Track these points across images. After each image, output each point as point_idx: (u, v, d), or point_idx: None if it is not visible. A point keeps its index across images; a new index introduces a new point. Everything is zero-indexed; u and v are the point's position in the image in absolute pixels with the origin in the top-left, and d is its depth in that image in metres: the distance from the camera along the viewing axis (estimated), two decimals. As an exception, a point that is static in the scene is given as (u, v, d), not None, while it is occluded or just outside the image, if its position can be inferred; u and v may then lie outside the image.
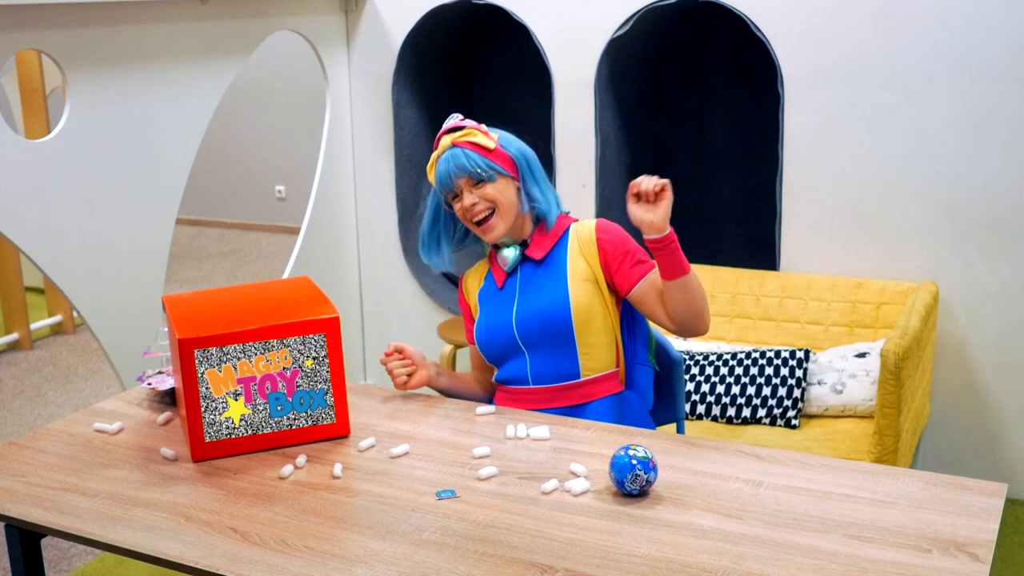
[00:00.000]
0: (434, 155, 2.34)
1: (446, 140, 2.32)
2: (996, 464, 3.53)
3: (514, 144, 2.36)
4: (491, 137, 2.32)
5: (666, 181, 2.13)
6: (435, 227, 2.41)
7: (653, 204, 2.13)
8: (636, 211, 2.14)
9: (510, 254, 2.36)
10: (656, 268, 2.26)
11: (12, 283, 5.47)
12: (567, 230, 2.38)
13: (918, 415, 3.24)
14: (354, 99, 4.30)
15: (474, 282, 2.47)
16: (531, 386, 2.34)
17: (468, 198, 2.29)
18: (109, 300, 3.28)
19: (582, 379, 2.32)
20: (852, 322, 3.47)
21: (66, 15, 3.05)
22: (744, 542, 1.71)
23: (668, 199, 2.12)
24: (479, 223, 2.31)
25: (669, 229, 2.14)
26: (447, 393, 2.50)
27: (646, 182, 2.12)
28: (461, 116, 2.37)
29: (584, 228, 2.36)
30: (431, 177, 2.34)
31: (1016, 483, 3.51)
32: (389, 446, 2.11)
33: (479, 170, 2.28)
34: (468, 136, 2.31)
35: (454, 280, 4.46)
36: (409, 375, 2.38)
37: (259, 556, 1.71)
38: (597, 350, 2.32)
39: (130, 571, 3.22)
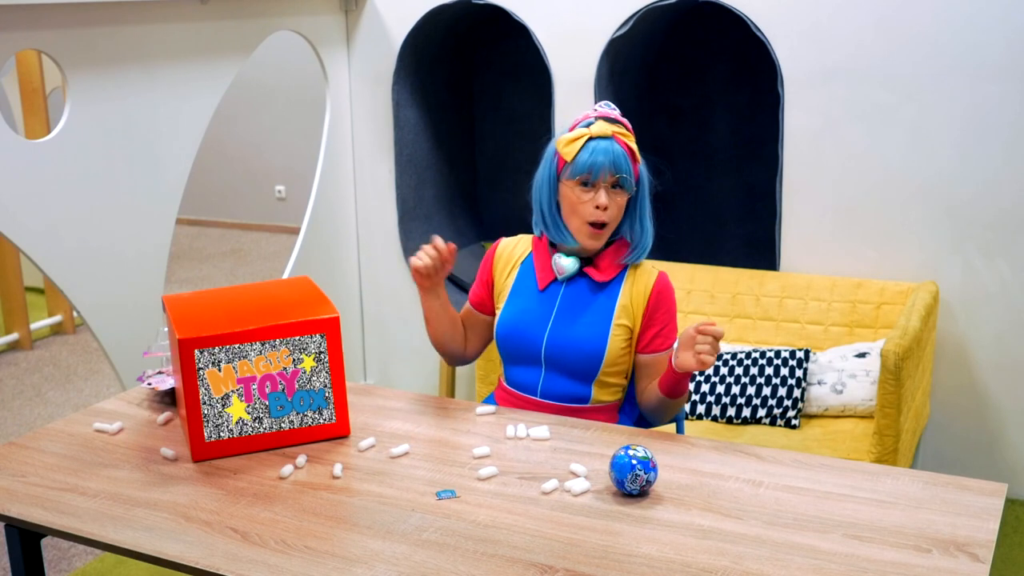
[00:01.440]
0: (583, 132, 2.20)
1: (605, 127, 2.20)
2: (996, 464, 3.53)
3: (643, 164, 2.28)
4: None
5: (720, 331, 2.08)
6: (551, 199, 2.27)
7: (708, 352, 2.06)
8: (687, 358, 2.09)
9: (569, 265, 2.27)
10: (670, 350, 2.25)
11: (12, 283, 5.46)
12: (627, 265, 2.31)
13: (918, 415, 3.24)
14: (354, 99, 4.30)
15: (510, 260, 2.38)
16: (537, 398, 2.33)
17: (605, 197, 2.19)
18: (109, 300, 3.28)
19: (589, 405, 2.31)
20: (852, 322, 3.47)
21: (66, 15, 3.05)
22: (744, 542, 1.71)
23: (717, 349, 2.08)
24: (596, 225, 2.22)
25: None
26: (429, 316, 2.37)
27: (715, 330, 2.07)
28: (616, 108, 2.28)
29: (642, 272, 2.30)
30: (568, 151, 2.20)
31: (1016, 483, 3.51)
32: (389, 446, 2.11)
33: (628, 177, 2.20)
34: (627, 138, 2.23)
35: (454, 280, 4.46)
36: (428, 270, 2.26)
37: (259, 556, 1.71)
38: (612, 386, 2.32)
39: (130, 571, 3.22)
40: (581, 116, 2.26)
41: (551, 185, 2.27)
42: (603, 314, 2.27)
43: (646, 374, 2.31)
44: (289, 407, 2.11)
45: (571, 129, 2.24)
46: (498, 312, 2.38)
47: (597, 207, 2.19)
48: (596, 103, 2.29)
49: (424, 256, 2.27)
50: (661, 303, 2.28)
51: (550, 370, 2.30)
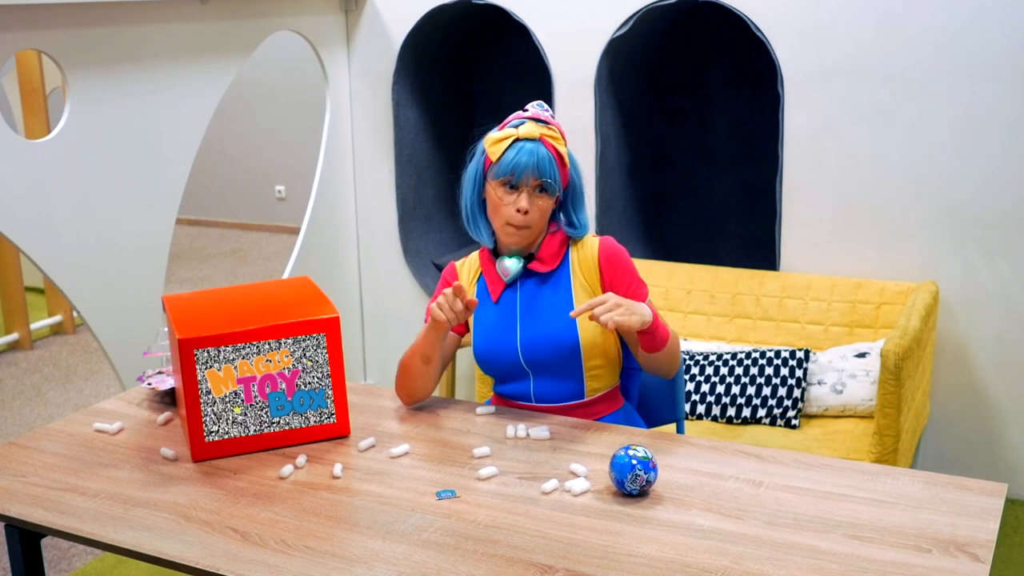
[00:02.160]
0: (511, 132, 2.18)
1: (533, 129, 2.17)
2: (996, 464, 3.53)
3: (575, 165, 2.26)
4: (565, 149, 2.22)
5: (596, 313, 2.05)
6: (473, 194, 2.25)
7: (618, 315, 2.04)
8: (610, 323, 2.05)
9: (513, 266, 2.24)
10: (647, 300, 2.23)
11: (12, 283, 5.47)
12: (569, 246, 2.28)
13: (918, 415, 3.24)
14: (354, 99, 4.30)
15: (467, 283, 2.34)
16: (534, 403, 2.30)
17: (525, 201, 2.15)
18: (109, 300, 3.28)
19: (586, 399, 2.29)
20: (852, 322, 3.47)
21: (66, 15, 3.05)
22: (744, 542, 1.71)
23: (624, 307, 2.05)
24: (515, 226, 2.19)
25: (650, 316, 2.10)
26: (428, 353, 2.27)
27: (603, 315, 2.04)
28: (548, 108, 2.24)
29: (585, 247, 2.27)
30: (494, 151, 2.18)
31: (1016, 483, 3.51)
32: (389, 446, 2.11)
33: (552, 182, 2.17)
34: (555, 140, 2.19)
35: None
36: (442, 320, 2.15)
37: (259, 556, 1.71)
38: (602, 370, 2.28)
39: (130, 571, 3.22)
40: (512, 116, 2.24)
41: (476, 181, 2.25)
42: (564, 302, 2.24)
43: (633, 339, 2.25)
44: (289, 407, 2.11)
45: (500, 128, 2.22)
46: (472, 338, 2.33)
47: (518, 210, 2.16)
48: (531, 103, 2.27)
49: (447, 310, 2.15)
50: (614, 266, 2.24)
51: (537, 376, 2.27)
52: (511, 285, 2.28)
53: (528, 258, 2.26)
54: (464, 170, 2.28)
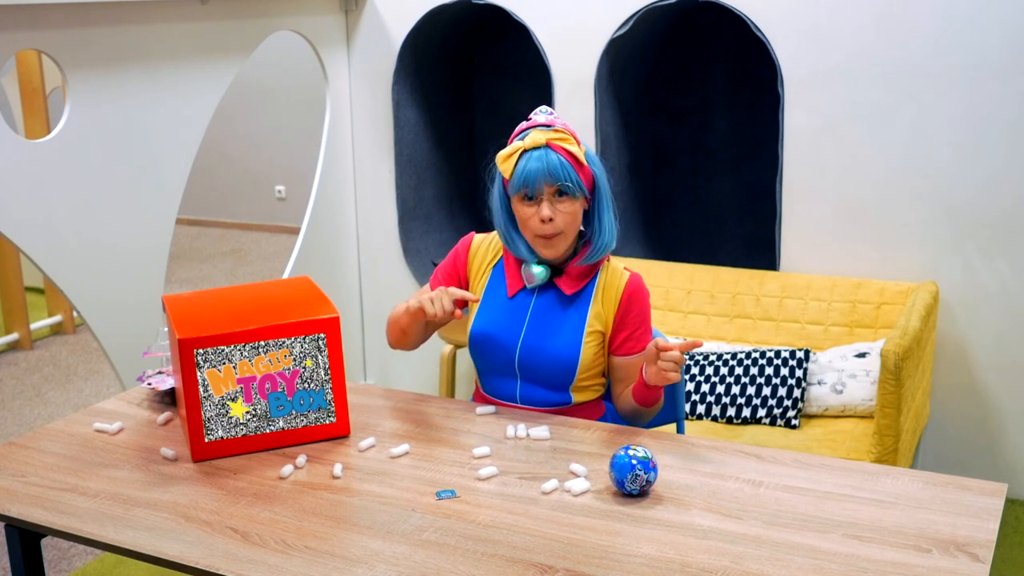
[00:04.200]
0: (518, 145, 2.15)
1: (538, 136, 2.13)
2: (996, 464, 3.53)
3: (595, 163, 2.21)
4: (580, 148, 2.17)
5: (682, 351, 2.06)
6: (504, 215, 2.24)
7: (671, 369, 2.06)
8: (652, 372, 2.09)
9: (539, 274, 2.22)
10: (643, 353, 2.22)
11: (12, 283, 5.47)
12: (599, 269, 2.26)
13: (918, 415, 3.24)
14: (354, 99, 4.30)
15: (483, 261, 2.33)
16: (519, 405, 2.30)
17: (547, 209, 2.12)
18: (109, 300, 3.28)
19: (572, 405, 2.29)
20: (852, 322, 3.47)
21: (66, 15, 3.05)
22: (744, 542, 1.71)
23: (680, 362, 2.07)
24: (546, 236, 2.17)
25: None
26: (409, 332, 2.31)
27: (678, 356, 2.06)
28: (553, 112, 2.21)
29: (614, 276, 2.25)
30: (506, 168, 2.15)
31: (1016, 483, 3.51)
32: (389, 446, 2.11)
33: (570, 184, 2.13)
34: (564, 142, 2.14)
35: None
36: (432, 313, 2.13)
37: (259, 556, 1.71)
38: (590, 381, 2.29)
39: (130, 571, 3.22)
40: (518, 128, 2.21)
41: (503, 201, 2.24)
42: (575, 324, 2.23)
43: (619, 377, 2.28)
44: (289, 407, 2.11)
45: (509, 142, 2.19)
46: (471, 317, 2.33)
47: (541, 220, 2.14)
48: (536, 110, 2.24)
49: (439, 307, 2.14)
50: (632, 305, 2.24)
51: (525, 380, 2.27)
52: (529, 289, 2.28)
53: (555, 271, 2.25)
54: (489, 196, 2.28)
